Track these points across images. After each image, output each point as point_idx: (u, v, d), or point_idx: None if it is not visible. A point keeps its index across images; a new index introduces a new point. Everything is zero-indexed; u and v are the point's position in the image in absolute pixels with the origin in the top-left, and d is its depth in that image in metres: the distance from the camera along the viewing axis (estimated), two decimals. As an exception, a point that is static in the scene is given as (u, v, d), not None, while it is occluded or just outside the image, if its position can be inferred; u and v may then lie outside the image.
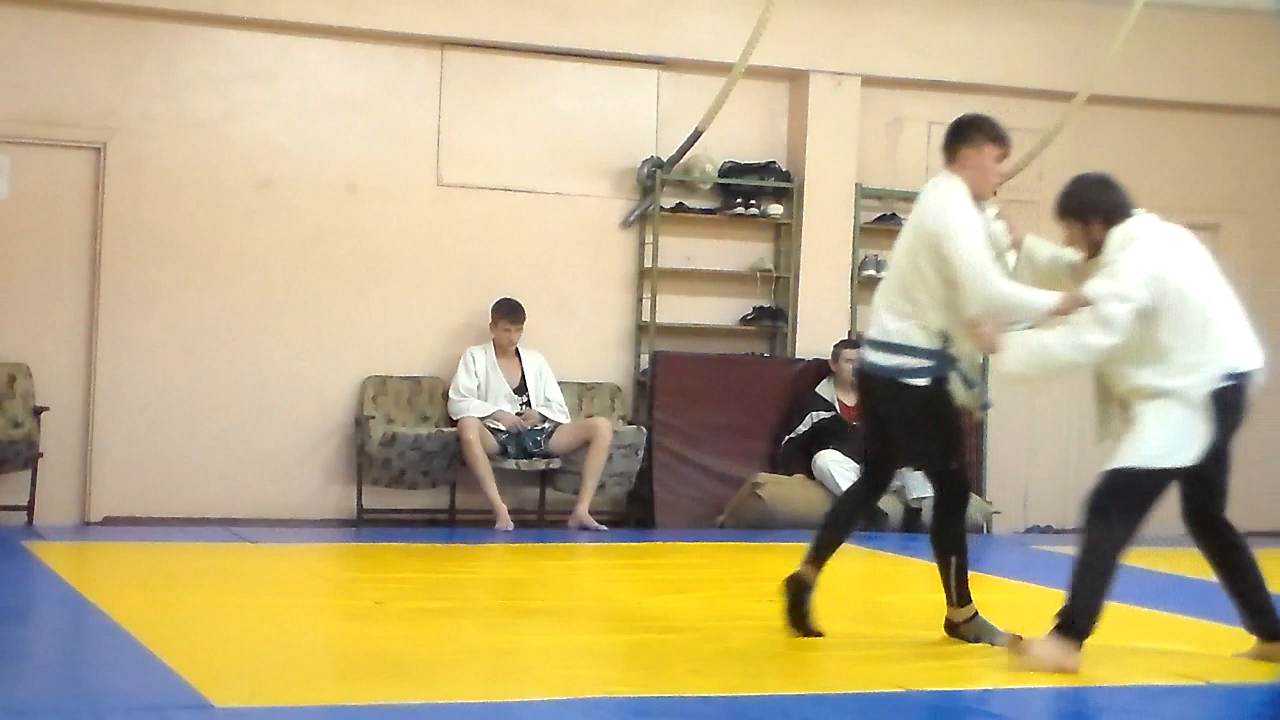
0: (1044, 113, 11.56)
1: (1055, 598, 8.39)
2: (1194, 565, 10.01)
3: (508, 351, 10.86)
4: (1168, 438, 6.25)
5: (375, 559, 9.21)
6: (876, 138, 11.91)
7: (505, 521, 10.47)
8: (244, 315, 10.68)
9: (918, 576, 9.17)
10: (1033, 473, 12.28)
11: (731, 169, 11.51)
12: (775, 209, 11.57)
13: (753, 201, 11.49)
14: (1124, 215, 6.26)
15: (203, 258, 10.60)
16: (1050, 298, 6.27)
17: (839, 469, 10.61)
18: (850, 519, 6.93)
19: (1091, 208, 6.27)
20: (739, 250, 11.64)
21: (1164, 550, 10.82)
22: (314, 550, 9.56)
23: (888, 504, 10.80)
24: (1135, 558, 10.10)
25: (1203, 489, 6.58)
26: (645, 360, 11.35)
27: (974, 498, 11.44)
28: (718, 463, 11.17)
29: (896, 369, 6.44)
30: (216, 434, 10.58)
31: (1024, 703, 5.83)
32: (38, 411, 10.17)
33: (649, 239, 11.32)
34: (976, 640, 6.57)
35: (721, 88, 10.60)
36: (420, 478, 10.66)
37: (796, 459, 11.08)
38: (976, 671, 6.45)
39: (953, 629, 6.72)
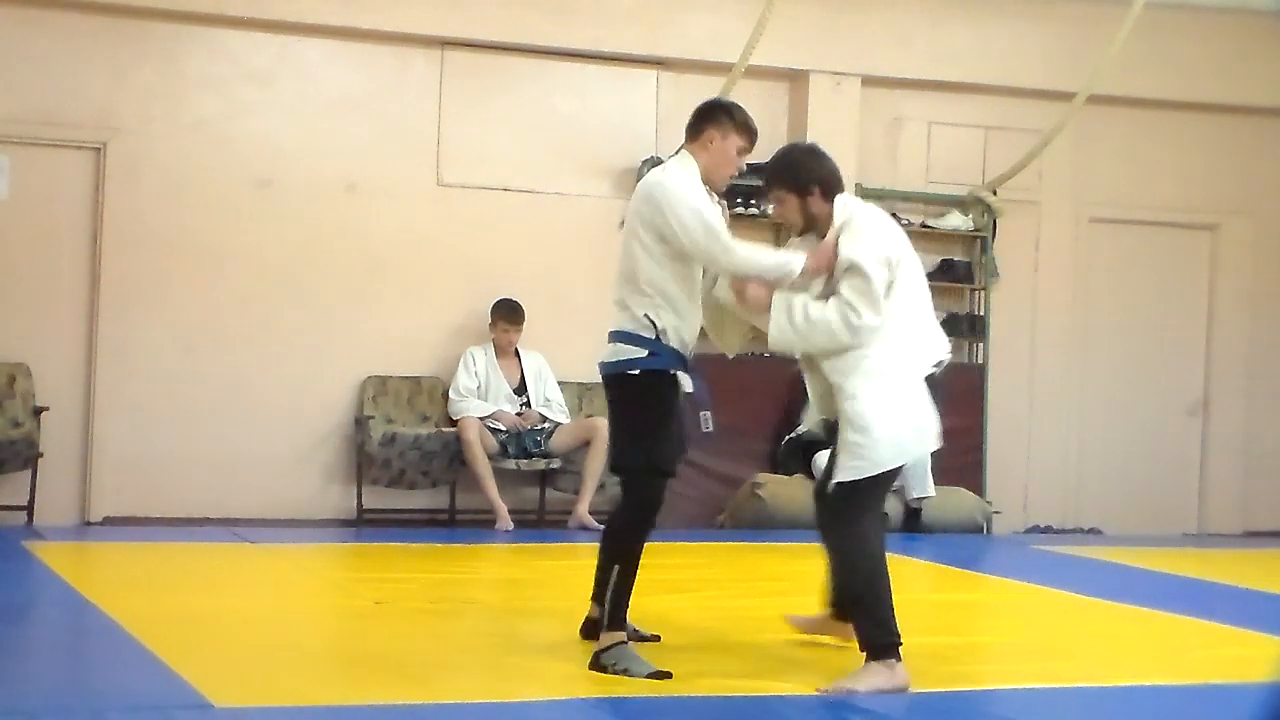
0: (1044, 113, 11.57)
1: (1056, 598, 8.41)
2: (1194, 565, 10.05)
3: (507, 352, 10.86)
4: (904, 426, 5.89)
5: (375, 559, 9.21)
6: (876, 138, 11.90)
7: (505, 521, 10.47)
8: (244, 315, 10.68)
9: (918, 576, 9.18)
10: (1033, 473, 12.29)
11: (731, 169, 11.49)
12: (775, 209, 11.57)
13: (753, 201, 11.49)
14: (840, 187, 6.04)
15: (203, 258, 10.60)
16: (799, 258, 5.92)
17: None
18: None
19: (811, 178, 6.01)
20: (739, 250, 11.62)
21: (1164, 550, 10.87)
22: (314, 550, 9.56)
23: (888, 504, 10.80)
24: (1135, 558, 10.17)
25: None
26: (645, 360, 11.32)
27: (974, 498, 11.53)
28: (718, 463, 11.15)
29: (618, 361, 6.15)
30: (216, 434, 10.58)
31: (1024, 703, 5.83)
32: (38, 411, 10.17)
33: (649, 239, 11.30)
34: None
35: (721, 88, 10.60)
36: (420, 478, 10.66)
37: (796, 459, 11.08)
38: (976, 671, 6.45)
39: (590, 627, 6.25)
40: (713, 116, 6.23)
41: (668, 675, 5.76)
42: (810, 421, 6.12)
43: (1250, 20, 12.15)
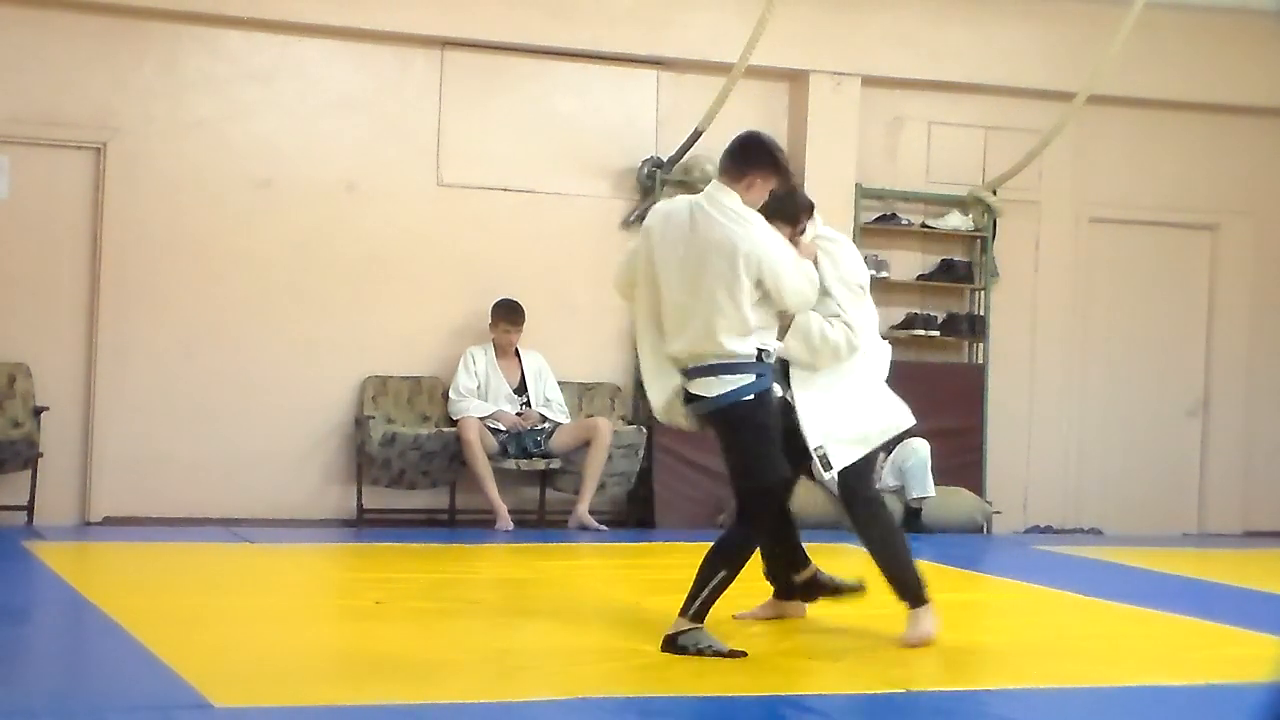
0: (1044, 113, 11.57)
1: (1056, 598, 8.41)
2: (1194, 565, 10.06)
3: (507, 352, 10.86)
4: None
5: (375, 559, 9.21)
6: (876, 138, 11.90)
7: (505, 521, 10.47)
8: (244, 315, 10.68)
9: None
10: (1033, 473, 12.29)
11: (731, 169, 11.49)
12: (775, 209, 11.56)
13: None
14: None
15: (203, 258, 10.60)
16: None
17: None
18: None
19: (806, 210, 6.70)
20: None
21: (1164, 550, 10.87)
22: (314, 550, 9.56)
23: (888, 504, 10.78)
24: (1135, 558, 10.17)
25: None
26: (645, 360, 11.32)
27: (974, 498, 11.53)
28: (718, 463, 11.08)
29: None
30: (216, 434, 10.58)
31: (1024, 703, 5.83)
32: (38, 411, 10.17)
33: (649, 239, 11.30)
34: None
35: (721, 88, 10.60)
36: (420, 478, 10.66)
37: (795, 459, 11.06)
38: (976, 671, 6.45)
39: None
40: (757, 160, 6.44)
41: (743, 654, 6.15)
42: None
43: (1250, 20, 12.14)
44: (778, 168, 6.45)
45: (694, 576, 6.31)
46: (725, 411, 6.33)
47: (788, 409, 6.51)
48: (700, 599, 6.25)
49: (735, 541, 6.46)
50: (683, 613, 6.27)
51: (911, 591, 6.70)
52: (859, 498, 6.75)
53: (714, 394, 6.31)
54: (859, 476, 6.70)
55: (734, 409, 6.31)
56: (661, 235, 6.42)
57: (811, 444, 6.49)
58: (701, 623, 6.26)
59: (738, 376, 6.29)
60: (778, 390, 6.44)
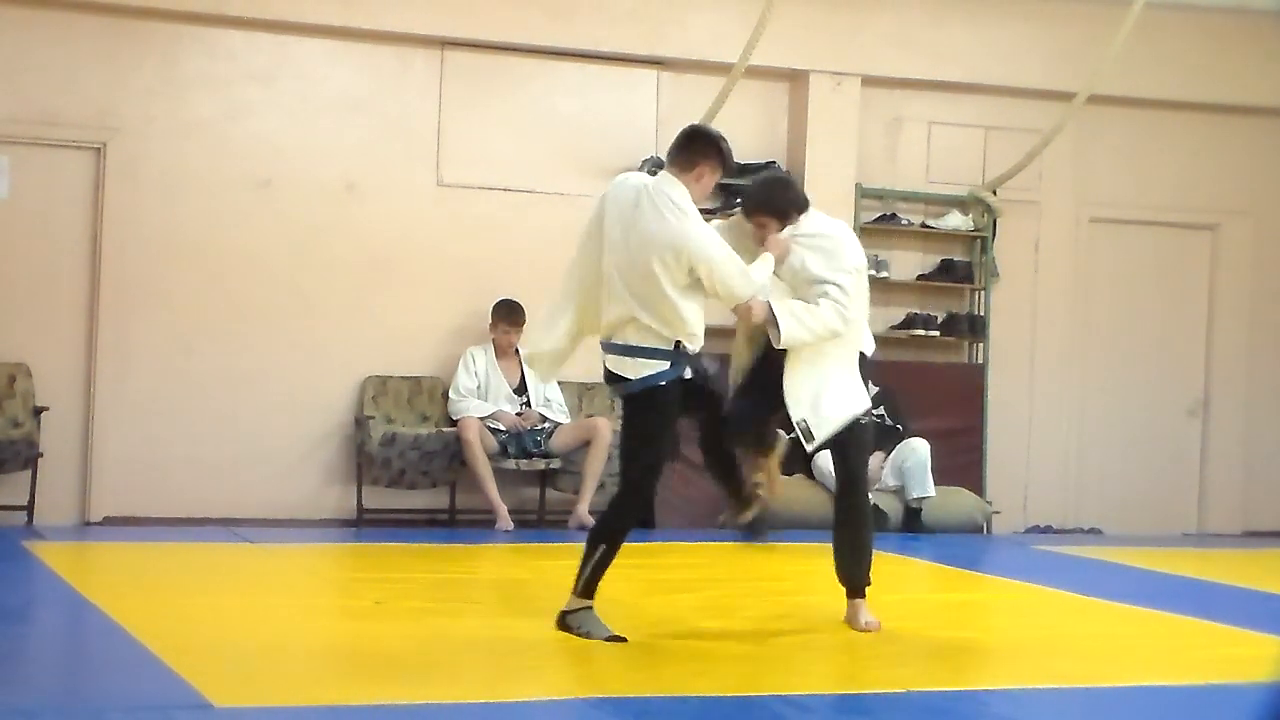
0: (1044, 113, 11.57)
1: (1056, 598, 8.41)
2: (1194, 565, 10.06)
3: (507, 352, 10.86)
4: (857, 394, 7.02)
5: (375, 559, 9.21)
6: (876, 138, 11.90)
7: (505, 521, 10.47)
8: (244, 315, 10.68)
9: (918, 576, 9.19)
10: (1033, 473, 12.29)
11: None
12: (775, 209, 11.55)
13: (738, 200, 11.47)
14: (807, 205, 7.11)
15: (203, 258, 10.60)
16: (768, 261, 6.84)
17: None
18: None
19: (795, 205, 7.06)
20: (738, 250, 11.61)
21: (1164, 550, 10.87)
22: (314, 550, 9.56)
23: (888, 504, 10.81)
24: (1135, 558, 10.17)
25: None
26: (645, 360, 11.32)
27: (974, 498, 11.53)
28: (717, 463, 11.15)
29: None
30: (216, 434, 10.58)
31: (1024, 703, 5.83)
32: (38, 411, 10.17)
33: (649, 239, 11.31)
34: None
35: (721, 88, 10.61)
36: (420, 478, 10.66)
37: (796, 459, 11.06)
38: (976, 671, 6.46)
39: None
40: (705, 152, 6.78)
41: (623, 639, 6.45)
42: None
43: (1250, 20, 12.15)
44: (723, 158, 6.80)
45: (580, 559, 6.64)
46: (639, 396, 6.64)
47: (776, 379, 6.83)
48: (585, 577, 6.59)
49: (613, 519, 6.71)
50: (574, 591, 6.63)
51: (860, 584, 7.00)
52: (849, 471, 7.10)
53: (633, 376, 6.61)
54: (849, 449, 7.04)
55: (648, 393, 6.60)
56: (614, 206, 6.70)
57: (795, 417, 6.83)
58: (590, 599, 6.59)
59: (655, 362, 6.58)
60: (686, 375, 6.65)
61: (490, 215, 11.13)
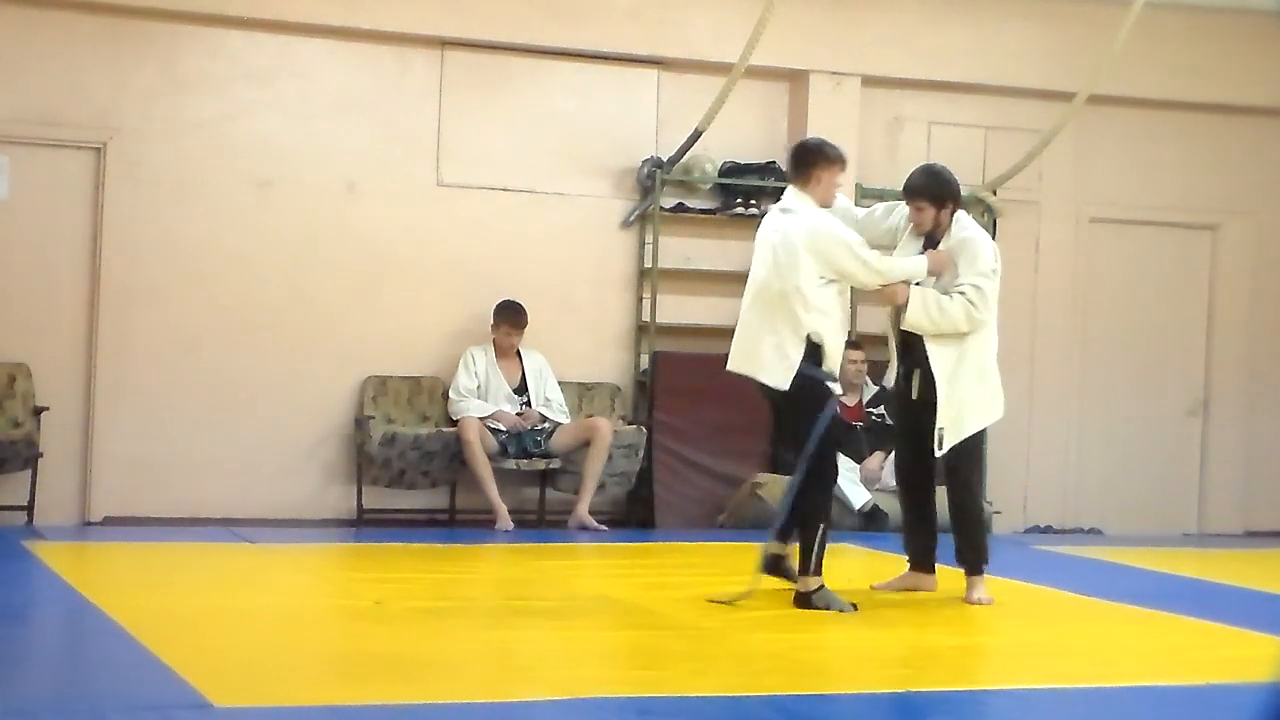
0: (1044, 113, 11.56)
1: (1056, 598, 8.41)
2: (1194, 565, 10.06)
3: (508, 352, 10.86)
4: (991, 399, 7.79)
5: (375, 559, 9.21)
6: (876, 138, 11.90)
7: (505, 521, 10.47)
8: (244, 315, 10.68)
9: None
10: (1033, 473, 12.29)
11: (731, 169, 11.51)
12: (775, 209, 11.56)
13: (753, 201, 11.49)
14: (961, 203, 7.74)
15: (203, 258, 10.60)
16: (922, 261, 7.54)
17: (839, 469, 10.60)
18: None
19: (952, 195, 7.63)
20: (739, 250, 11.57)
21: (1164, 550, 10.87)
22: (314, 550, 9.56)
23: (888, 504, 10.80)
24: (1135, 558, 10.16)
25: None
26: (645, 360, 11.35)
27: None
28: (718, 463, 11.16)
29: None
30: (216, 434, 10.58)
31: (1024, 703, 5.83)
32: (38, 411, 10.18)
33: (649, 239, 11.32)
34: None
35: (721, 88, 10.60)
36: (420, 478, 10.66)
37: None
38: (976, 671, 6.46)
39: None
40: (813, 160, 7.47)
41: (855, 608, 7.27)
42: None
43: (1250, 20, 12.14)
44: (830, 158, 7.44)
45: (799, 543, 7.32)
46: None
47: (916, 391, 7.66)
48: (816, 555, 7.25)
49: (814, 497, 7.38)
50: (802, 572, 7.30)
51: (979, 560, 7.82)
52: (959, 478, 7.78)
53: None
54: (963, 457, 7.73)
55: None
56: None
57: (940, 422, 7.54)
58: (821, 575, 7.25)
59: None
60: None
61: (490, 215, 11.13)
